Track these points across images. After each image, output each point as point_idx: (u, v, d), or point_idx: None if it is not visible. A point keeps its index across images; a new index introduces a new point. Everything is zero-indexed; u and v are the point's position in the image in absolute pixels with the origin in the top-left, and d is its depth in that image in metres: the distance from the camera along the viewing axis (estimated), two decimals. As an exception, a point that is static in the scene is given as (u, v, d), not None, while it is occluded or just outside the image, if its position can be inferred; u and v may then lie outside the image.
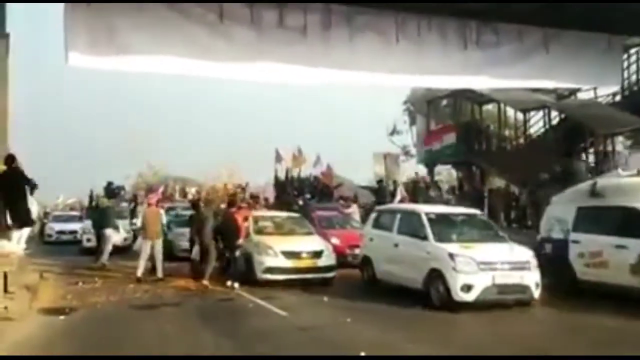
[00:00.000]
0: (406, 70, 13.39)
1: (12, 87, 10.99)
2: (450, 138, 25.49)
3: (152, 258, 13.58)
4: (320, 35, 12.59)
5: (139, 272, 13.02)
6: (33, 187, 10.36)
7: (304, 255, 12.90)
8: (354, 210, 20.05)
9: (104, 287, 11.37)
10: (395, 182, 23.51)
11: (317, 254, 13.04)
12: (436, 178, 28.33)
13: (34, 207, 10.81)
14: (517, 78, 14.47)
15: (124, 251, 16.89)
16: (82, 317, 8.27)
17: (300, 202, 21.40)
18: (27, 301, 8.53)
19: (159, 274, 13.28)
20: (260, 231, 14.00)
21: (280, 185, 26.47)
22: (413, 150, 33.60)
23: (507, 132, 26.37)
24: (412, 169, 30.28)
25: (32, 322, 7.73)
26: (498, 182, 23.96)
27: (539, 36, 14.19)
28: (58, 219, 25.79)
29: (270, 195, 24.71)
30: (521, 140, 24.41)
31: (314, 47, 12.50)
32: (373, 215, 13.71)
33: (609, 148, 22.32)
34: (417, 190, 21.39)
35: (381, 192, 22.25)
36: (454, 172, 30.23)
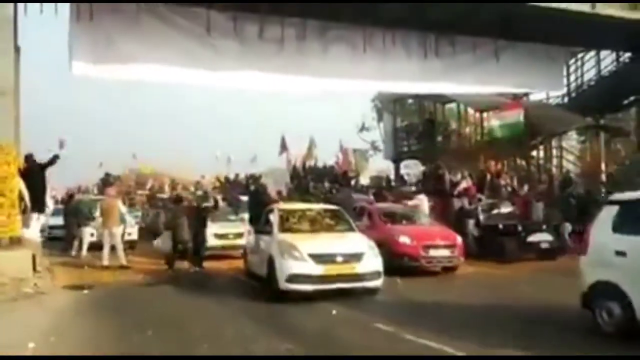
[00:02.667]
0: (373, 77, 15.03)
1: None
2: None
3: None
4: (296, 46, 14.16)
5: (105, 262, 13.01)
6: (52, 161, 11.99)
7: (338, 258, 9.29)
8: (421, 202, 16.19)
9: (108, 271, 12.40)
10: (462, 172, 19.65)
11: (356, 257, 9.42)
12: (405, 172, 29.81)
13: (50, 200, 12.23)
14: (471, 84, 16.25)
15: (131, 247, 15.57)
16: (101, 292, 9.68)
17: (335, 192, 19.76)
18: (50, 280, 9.90)
19: (122, 261, 13.13)
20: (289, 229, 10.32)
21: (297, 175, 26.08)
22: (381, 146, 35.26)
23: (467, 130, 28.21)
24: (380, 163, 31.99)
25: (62, 295, 9.09)
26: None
27: (491, 47, 15.98)
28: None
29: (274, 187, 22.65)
30: (479, 138, 26.25)
31: (290, 57, 14.05)
32: (613, 211, 7.01)
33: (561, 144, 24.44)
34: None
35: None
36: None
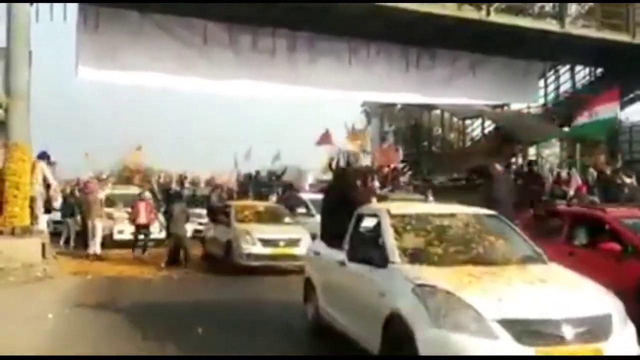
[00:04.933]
0: (358, 87, 16.18)
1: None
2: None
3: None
4: (286, 57, 15.29)
5: (90, 250, 13.51)
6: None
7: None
8: None
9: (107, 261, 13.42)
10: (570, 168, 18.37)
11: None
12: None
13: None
14: (449, 96, 17.43)
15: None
16: (103, 277, 10.74)
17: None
18: (58, 266, 10.96)
19: (97, 250, 13.49)
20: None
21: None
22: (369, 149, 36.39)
23: (452, 136, 29.44)
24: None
25: (68, 279, 10.12)
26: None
27: (468, 61, 17.14)
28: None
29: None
30: (461, 144, 27.46)
31: (281, 67, 15.17)
32: None
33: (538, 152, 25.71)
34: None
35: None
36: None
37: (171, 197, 14.82)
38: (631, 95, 20.64)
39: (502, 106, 25.20)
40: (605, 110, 16.54)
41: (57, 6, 13.24)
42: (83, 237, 14.56)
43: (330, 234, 6.60)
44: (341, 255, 5.87)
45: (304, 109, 55.15)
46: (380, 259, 5.16)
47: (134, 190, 17.63)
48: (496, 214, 6.17)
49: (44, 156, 12.31)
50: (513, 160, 25.58)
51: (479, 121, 27.37)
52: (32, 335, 6.29)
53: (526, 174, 17.07)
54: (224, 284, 10.39)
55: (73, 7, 13.49)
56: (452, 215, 5.87)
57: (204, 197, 19.05)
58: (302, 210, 14.87)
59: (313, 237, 9.68)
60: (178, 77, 14.24)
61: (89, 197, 14.73)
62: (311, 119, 52.57)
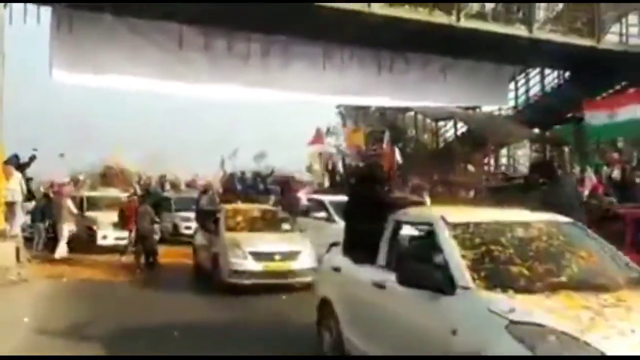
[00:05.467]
0: (331, 91, 16.44)
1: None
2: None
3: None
4: (261, 61, 15.44)
5: (56, 254, 13.84)
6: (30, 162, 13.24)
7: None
8: None
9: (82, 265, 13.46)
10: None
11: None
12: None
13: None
14: (421, 99, 17.79)
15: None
16: (77, 280, 10.81)
17: None
18: (32, 269, 10.97)
19: (63, 253, 13.85)
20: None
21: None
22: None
23: (425, 137, 29.87)
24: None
25: (43, 282, 10.17)
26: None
27: (439, 65, 17.50)
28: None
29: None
30: (435, 145, 27.88)
31: (255, 71, 15.32)
32: None
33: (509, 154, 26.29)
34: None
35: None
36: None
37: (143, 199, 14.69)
38: (598, 97, 21.30)
39: (473, 108, 25.68)
40: (627, 111, 16.71)
41: (31, 9, 13.25)
42: (54, 241, 14.62)
43: (356, 246, 5.42)
44: (376, 275, 4.82)
45: (279, 112, 55.34)
46: (443, 283, 3.98)
47: (114, 192, 17.61)
48: (575, 221, 5.05)
49: (12, 161, 12.27)
50: (486, 161, 26.15)
51: (452, 123, 27.86)
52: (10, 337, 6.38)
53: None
54: (209, 303, 9.12)
55: (47, 10, 13.47)
56: (526, 224, 4.62)
57: (189, 200, 18.42)
58: (320, 214, 13.06)
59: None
60: (153, 80, 14.31)
61: (59, 200, 14.87)
62: (288, 122, 52.83)
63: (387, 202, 5.62)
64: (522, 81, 24.43)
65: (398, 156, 21.03)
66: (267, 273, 9.80)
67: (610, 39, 18.09)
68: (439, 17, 15.32)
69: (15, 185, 11.85)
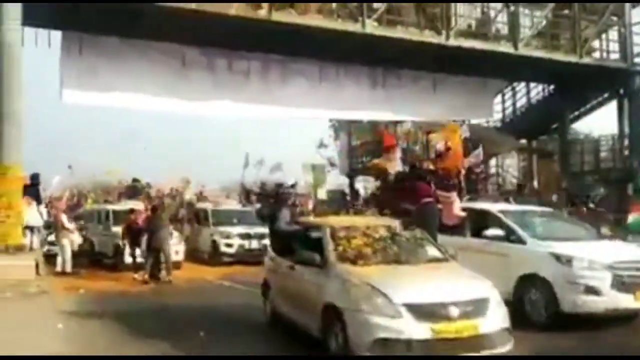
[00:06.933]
0: (327, 106, 17.21)
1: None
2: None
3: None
4: (260, 78, 16.17)
5: (58, 268, 13.90)
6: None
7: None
8: None
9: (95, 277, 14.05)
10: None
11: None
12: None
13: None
14: (413, 113, 18.60)
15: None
16: (94, 292, 11.41)
17: None
18: (50, 282, 11.52)
19: (67, 268, 13.88)
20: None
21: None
22: (337, 162, 37.40)
23: (417, 148, 30.61)
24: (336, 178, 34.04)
25: (63, 294, 10.77)
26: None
27: (430, 80, 18.32)
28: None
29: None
30: (426, 157, 28.64)
31: (255, 87, 16.04)
32: None
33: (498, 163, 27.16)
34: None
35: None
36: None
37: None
38: (582, 110, 22.22)
39: (462, 121, 26.52)
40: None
41: (42, 32, 13.92)
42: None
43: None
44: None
45: (273, 127, 55.98)
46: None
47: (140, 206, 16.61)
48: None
49: (36, 178, 12.91)
50: (478, 170, 26.98)
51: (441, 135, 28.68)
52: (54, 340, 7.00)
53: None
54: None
55: (57, 33, 14.14)
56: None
57: (230, 213, 17.74)
58: (494, 231, 8.72)
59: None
60: (157, 98, 14.96)
61: (55, 214, 15.07)
62: (281, 136, 53.54)
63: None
64: (509, 94, 25.44)
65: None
66: (440, 342, 5.58)
67: (592, 55, 19.05)
68: (429, 37, 16.12)
69: (34, 213, 12.54)
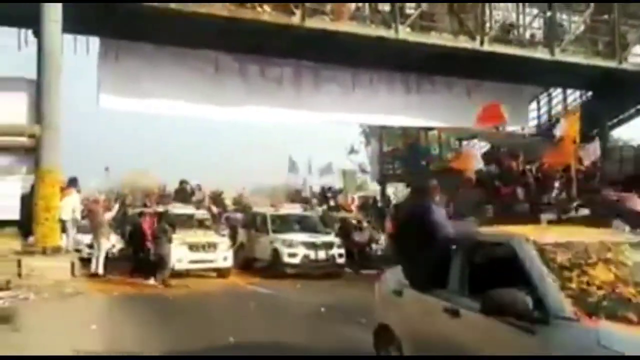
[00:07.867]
0: (360, 111, 17.14)
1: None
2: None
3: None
4: (292, 84, 16.21)
5: (92, 269, 13.99)
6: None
7: None
8: None
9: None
10: None
11: None
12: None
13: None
14: (447, 119, 18.37)
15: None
16: (125, 293, 11.61)
17: None
18: (86, 284, 11.75)
19: (99, 270, 14.04)
20: None
21: None
22: (368, 168, 37.30)
23: (449, 155, 30.27)
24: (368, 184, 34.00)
25: (99, 295, 11.03)
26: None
27: (464, 86, 18.12)
28: None
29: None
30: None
31: (287, 94, 16.08)
32: None
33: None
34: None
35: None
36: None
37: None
38: (621, 117, 21.67)
39: (497, 127, 26.14)
40: None
41: (80, 39, 14.23)
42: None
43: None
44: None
45: (300, 132, 56.09)
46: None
47: (190, 210, 16.90)
48: None
49: (74, 183, 13.19)
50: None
51: (474, 141, 28.31)
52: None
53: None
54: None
55: (95, 40, 14.43)
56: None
57: (293, 218, 17.09)
58: None
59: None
60: (191, 104, 15.12)
61: (92, 216, 15.22)
62: (309, 141, 53.65)
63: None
64: (544, 100, 24.97)
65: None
66: None
67: (633, 60, 18.55)
68: (463, 42, 15.94)
69: (66, 205, 12.73)
